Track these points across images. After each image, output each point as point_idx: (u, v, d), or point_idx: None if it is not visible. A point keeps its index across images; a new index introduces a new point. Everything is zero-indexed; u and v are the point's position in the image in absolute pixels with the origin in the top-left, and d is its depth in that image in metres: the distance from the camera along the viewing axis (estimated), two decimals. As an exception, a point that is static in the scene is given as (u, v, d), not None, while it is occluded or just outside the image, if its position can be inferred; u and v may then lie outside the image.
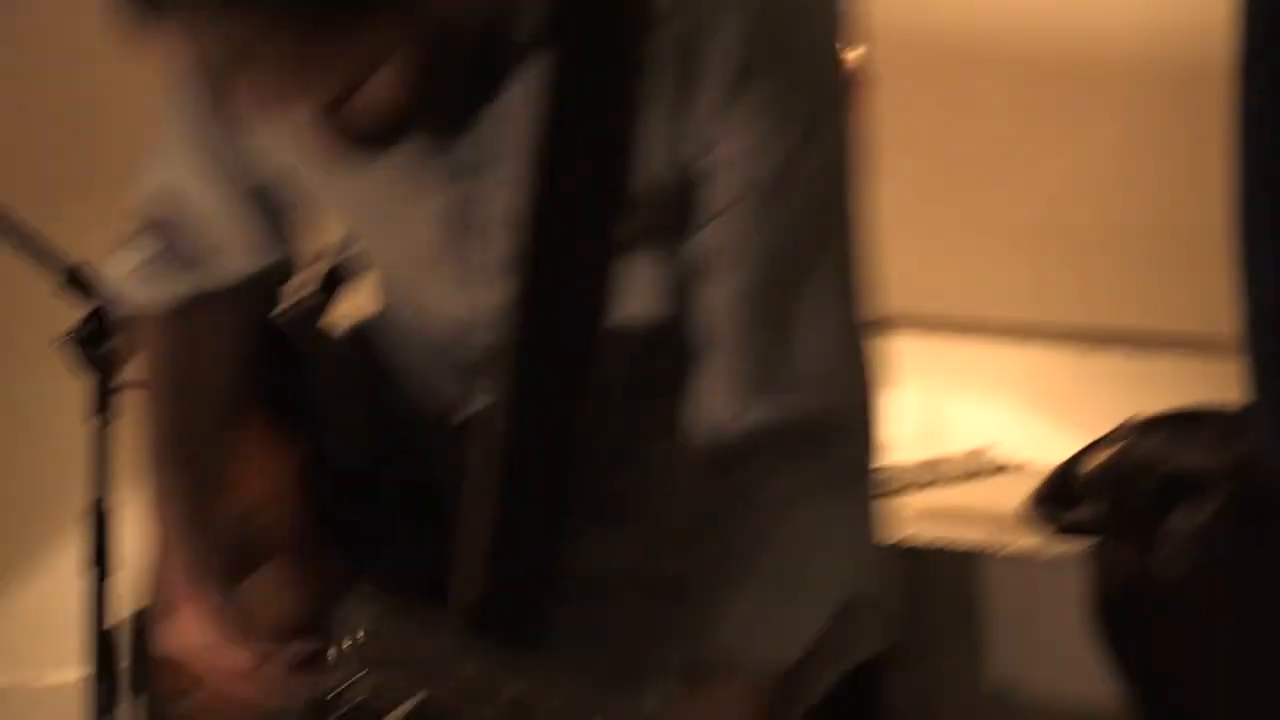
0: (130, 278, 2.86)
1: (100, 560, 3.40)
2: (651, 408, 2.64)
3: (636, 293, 2.54)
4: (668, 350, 2.58)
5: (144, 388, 2.88)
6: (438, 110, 2.51)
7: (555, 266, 2.55)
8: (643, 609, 2.71)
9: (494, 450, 2.51)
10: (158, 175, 2.85)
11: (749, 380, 2.49)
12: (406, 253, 2.69)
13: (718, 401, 2.49)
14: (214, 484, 2.84)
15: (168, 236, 2.84)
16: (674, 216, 2.51)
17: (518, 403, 2.52)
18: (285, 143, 2.61)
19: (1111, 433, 4.25)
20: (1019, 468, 4.64)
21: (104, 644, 3.45)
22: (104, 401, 3.31)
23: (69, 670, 3.94)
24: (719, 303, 2.48)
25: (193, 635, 2.66)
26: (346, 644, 2.51)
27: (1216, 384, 4.11)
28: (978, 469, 4.82)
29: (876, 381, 2.48)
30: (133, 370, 3.16)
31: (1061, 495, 4.29)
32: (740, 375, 2.50)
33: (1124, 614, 4.06)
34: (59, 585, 4.35)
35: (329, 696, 2.54)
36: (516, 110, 2.48)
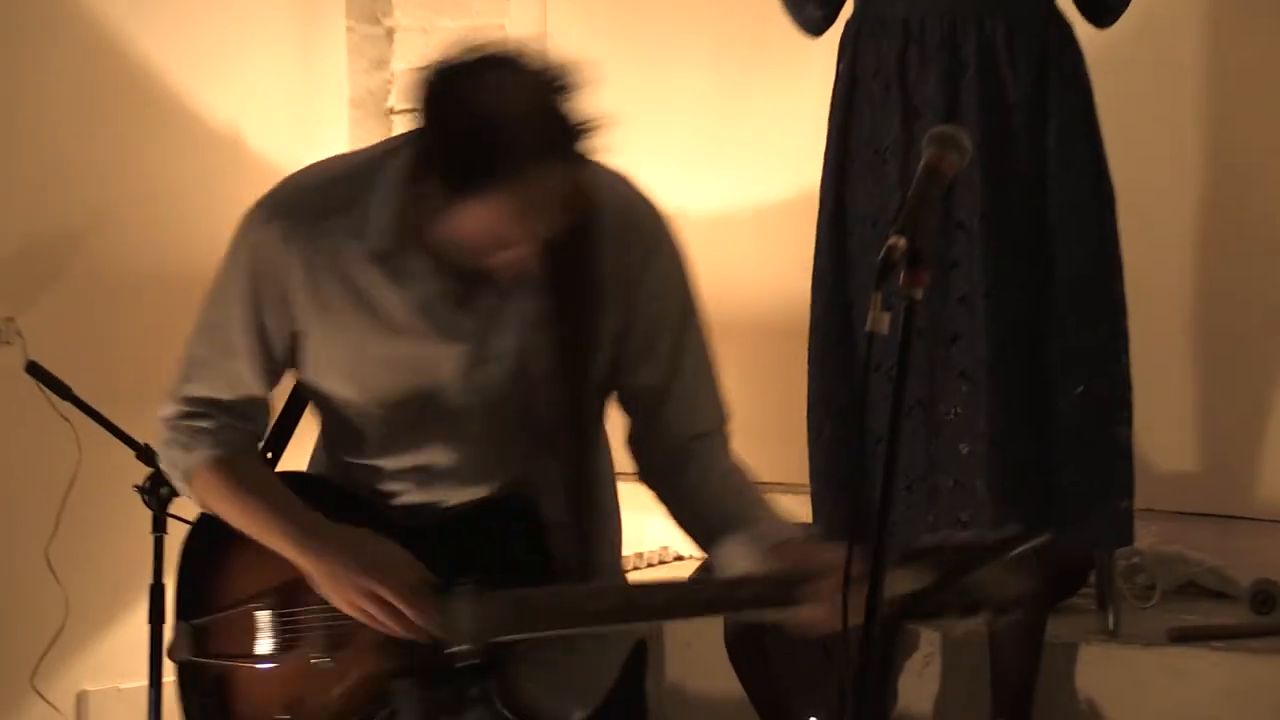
0: (187, 446, 3.33)
1: (158, 614, 4.41)
2: (601, 465, 3.40)
3: (593, 426, 3.35)
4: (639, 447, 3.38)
5: (209, 494, 3.33)
6: (468, 301, 3.21)
7: (562, 390, 3.28)
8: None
9: (556, 488, 3.26)
10: (198, 375, 3.34)
11: (715, 407, 3.36)
12: (414, 391, 3.28)
13: (694, 422, 3.35)
14: (332, 531, 3.27)
15: (203, 416, 3.32)
16: (626, 376, 3.32)
17: (565, 462, 3.28)
18: (320, 318, 3.24)
19: None
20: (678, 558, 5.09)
21: (156, 662, 4.43)
22: (159, 522, 4.40)
23: (141, 678, 4.51)
24: (689, 369, 3.33)
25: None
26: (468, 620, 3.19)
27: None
28: (663, 559, 5.24)
29: None
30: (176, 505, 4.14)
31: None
32: (711, 406, 3.36)
33: (746, 646, 4.78)
34: (136, 618, 4.68)
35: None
36: (509, 312, 3.22)
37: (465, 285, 3.21)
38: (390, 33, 5.72)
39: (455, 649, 3.22)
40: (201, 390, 3.35)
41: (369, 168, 3.25)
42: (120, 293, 5.35)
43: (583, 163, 3.09)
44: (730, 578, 3.25)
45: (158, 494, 4.43)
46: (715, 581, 3.31)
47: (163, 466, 3.44)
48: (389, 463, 3.37)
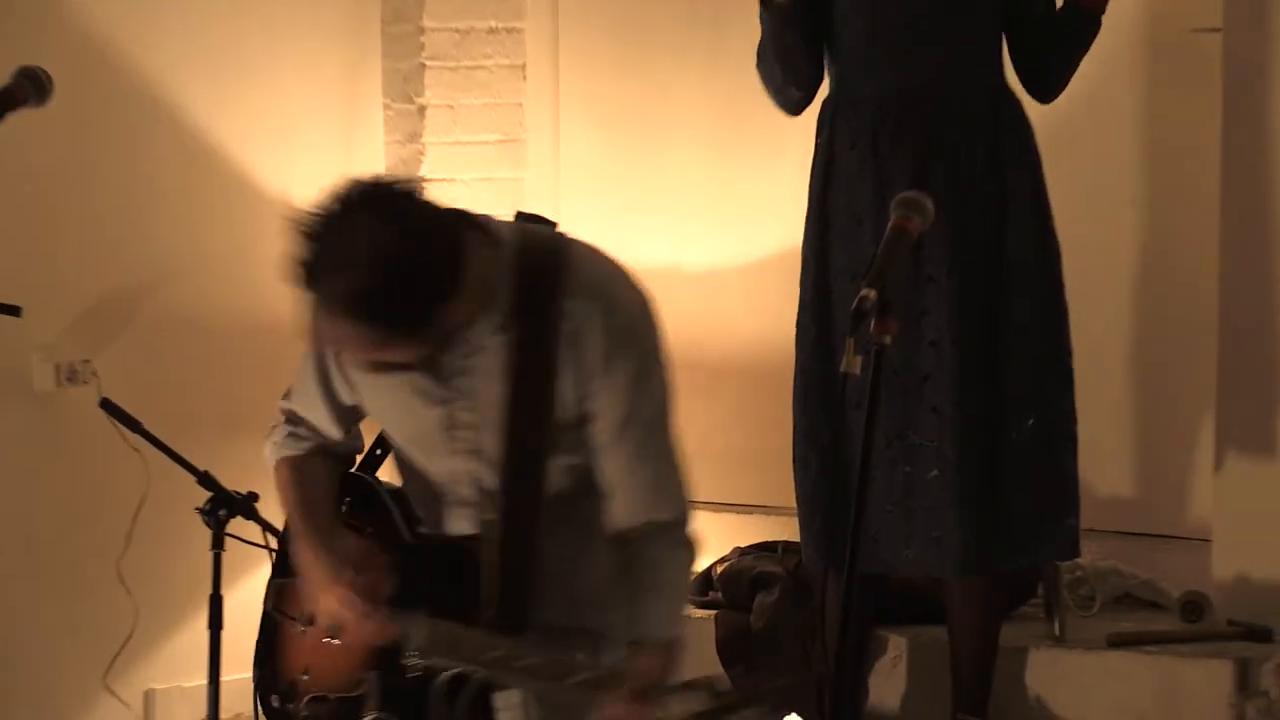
0: (277, 444, 3.48)
1: (216, 621, 4.43)
2: (571, 527, 3.33)
3: (556, 469, 3.29)
4: (575, 496, 3.31)
5: (280, 489, 3.48)
6: (443, 364, 3.22)
7: (520, 443, 3.26)
8: (580, 628, 3.36)
9: (494, 545, 3.26)
10: (296, 398, 3.46)
11: (639, 500, 3.27)
12: (420, 438, 3.36)
13: (623, 515, 3.28)
14: (335, 536, 3.36)
15: (297, 425, 3.46)
16: (573, 430, 3.26)
17: (505, 521, 3.26)
18: (358, 382, 3.33)
19: (728, 554, 4.90)
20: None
21: (214, 663, 4.42)
22: (218, 540, 4.40)
23: (202, 678, 4.54)
24: (619, 469, 3.26)
25: (338, 609, 3.28)
26: (415, 637, 3.21)
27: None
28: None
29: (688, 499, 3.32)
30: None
31: (702, 586, 4.91)
32: (635, 498, 3.27)
33: (734, 650, 4.77)
34: (198, 625, 4.71)
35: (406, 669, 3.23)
36: (486, 366, 3.23)
37: (429, 363, 3.23)
38: (422, 110, 5.70)
39: (406, 658, 3.25)
40: (298, 409, 3.47)
41: None
42: (184, 339, 5.35)
43: (383, 331, 3.08)
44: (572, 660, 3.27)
45: (217, 515, 4.44)
46: (558, 660, 3.26)
47: (266, 449, 3.55)
48: (416, 492, 3.44)
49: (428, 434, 3.34)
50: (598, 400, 3.25)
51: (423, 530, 3.42)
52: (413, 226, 3.08)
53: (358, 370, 3.30)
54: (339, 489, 3.48)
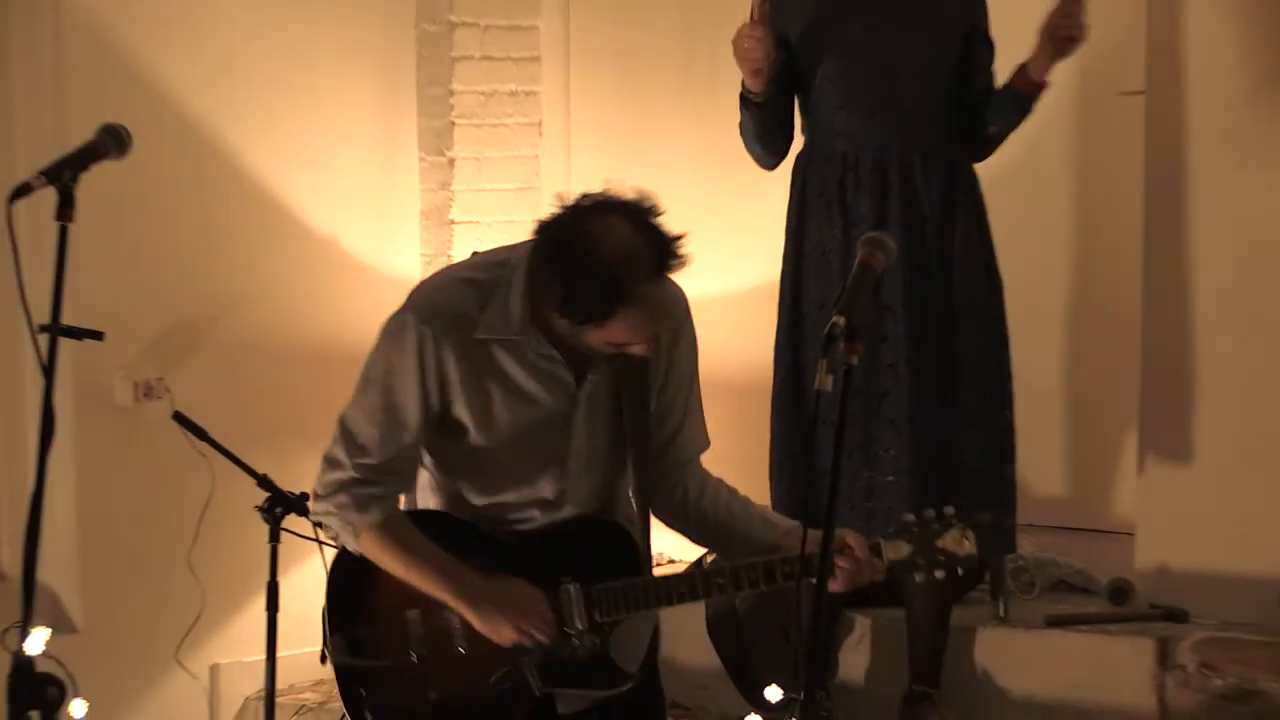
0: (352, 519, 3.29)
1: (273, 604, 4.38)
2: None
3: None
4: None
5: (377, 550, 3.31)
6: (576, 375, 3.29)
7: (637, 416, 3.32)
8: None
9: (638, 502, 3.36)
10: (365, 452, 3.29)
11: (703, 431, 3.45)
12: (530, 442, 3.31)
13: (695, 440, 3.43)
14: (482, 585, 3.31)
15: (363, 486, 3.29)
16: (660, 430, 3.38)
17: (639, 491, 3.36)
18: (459, 398, 3.27)
19: None
20: (671, 560, 5.02)
21: (271, 640, 4.38)
22: (274, 534, 4.35)
23: (260, 654, 4.45)
24: (692, 406, 3.41)
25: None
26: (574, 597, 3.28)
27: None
28: (658, 562, 4.77)
29: None
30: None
31: None
32: (700, 431, 3.44)
33: (722, 629, 4.79)
34: (257, 608, 4.62)
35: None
36: (600, 377, 3.30)
37: (575, 364, 3.27)
38: (451, 162, 5.68)
39: (569, 629, 3.29)
40: (372, 460, 3.31)
41: (492, 275, 3.28)
42: (245, 359, 5.32)
43: (674, 271, 3.17)
44: (769, 559, 3.27)
45: (273, 513, 4.40)
46: (759, 564, 3.28)
47: (333, 522, 3.36)
48: (512, 496, 3.38)
49: (542, 434, 3.31)
50: (676, 364, 3.37)
51: (520, 529, 3.38)
52: (625, 206, 3.22)
53: (467, 393, 3.27)
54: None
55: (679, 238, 3.16)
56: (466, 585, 3.30)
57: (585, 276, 3.10)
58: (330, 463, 3.33)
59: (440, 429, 3.32)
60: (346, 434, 3.31)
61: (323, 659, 3.43)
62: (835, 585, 3.15)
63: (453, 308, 3.27)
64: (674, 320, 3.34)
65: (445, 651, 3.34)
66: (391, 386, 3.28)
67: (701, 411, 3.47)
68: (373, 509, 3.30)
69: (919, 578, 3.20)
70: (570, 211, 3.16)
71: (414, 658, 3.36)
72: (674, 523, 3.48)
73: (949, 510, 3.19)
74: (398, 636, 3.36)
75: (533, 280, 3.20)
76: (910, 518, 3.24)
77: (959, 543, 3.17)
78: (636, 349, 3.20)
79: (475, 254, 3.67)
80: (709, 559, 4.82)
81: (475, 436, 3.31)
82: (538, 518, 3.36)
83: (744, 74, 4.35)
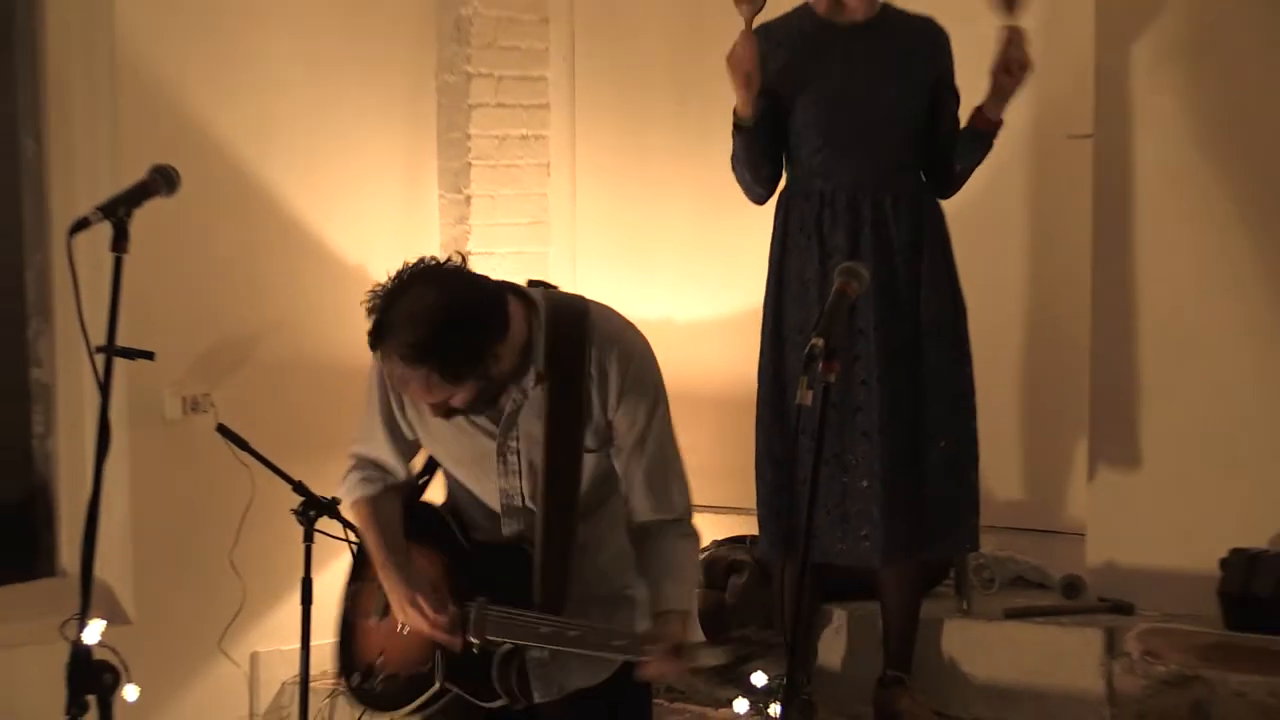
0: (351, 488, 3.45)
1: (306, 599, 4.41)
2: (599, 519, 3.35)
3: (586, 473, 3.29)
4: (601, 494, 3.32)
5: (355, 518, 3.46)
6: (491, 405, 3.23)
7: (558, 464, 3.25)
8: (608, 605, 3.36)
9: (538, 543, 3.26)
10: (363, 443, 3.42)
11: (653, 502, 3.30)
12: (474, 465, 3.34)
13: (639, 512, 3.31)
14: (403, 557, 3.35)
15: (366, 468, 3.43)
16: (599, 449, 3.28)
17: (546, 525, 3.26)
18: (420, 423, 3.32)
19: (706, 546, 4.67)
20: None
21: (305, 631, 4.41)
22: (308, 535, 4.36)
23: (296, 643, 4.48)
24: (636, 476, 3.27)
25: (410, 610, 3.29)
26: (474, 615, 3.25)
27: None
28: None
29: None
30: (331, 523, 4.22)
31: None
32: (650, 500, 3.29)
33: (713, 621, 4.52)
34: (292, 602, 4.60)
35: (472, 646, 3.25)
36: (531, 407, 3.23)
37: (485, 407, 3.24)
38: (468, 199, 5.69)
39: (470, 639, 3.28)
40: (364, 452, 3.44)
41: None
42: (283, 376, 5.32)
43: (444, 374, 3.07)
44: (609, 628, 3.28)
45: (307, 515, 4.41)
46: (600, 629, 3.27)
47: (341, 488, 3.51)
48: (466, 506, 3.42)
49: (480, 462, 3.33)
50: (618, 425, 3.27)
51: (476, 538, 3.40)
52: (459, 290, 3.10)
53: (422, 413, 3.28)
54: (407, 515, 3.43)
55: (461, 351, 3.08)
56: (392, 568, 3.34)
57: (376, 307, 3.13)
58: (356, 432, 3.48)
59: (423, 435, 3.41)
60: (359, 424, 3.46)
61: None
62: (641, 672, 3.17)
63: None
64: (609, 375, 3.26)
65: (392, 624, 3.39)
66: (370, 399, 3.41)
67: (660, 476, 3.32)
68: (357, 489, 3.42)
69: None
70: (430, 266, 3.16)
71: (374, 620, 3.43)
72: None
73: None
74: (370, 599, 3.44)
75: None
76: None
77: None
78: (409, 397, 3.24)
79: (535, 283, 3.55)
80: (700, 558, 4.90)
81: (436, 453, 3.42)
82: (486, 529, 3.38)
83: (736, 86, 4.32)
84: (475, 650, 3.27)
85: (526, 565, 3.28)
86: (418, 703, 3.36)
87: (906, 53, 4.43)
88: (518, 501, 3.32)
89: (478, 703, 3.29)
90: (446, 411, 3.17)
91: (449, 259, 3.17)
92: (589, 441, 3.27)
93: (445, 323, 3.05)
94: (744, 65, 4.28)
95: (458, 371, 3.09)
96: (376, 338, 3.10)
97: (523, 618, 3.25)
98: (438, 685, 3.33)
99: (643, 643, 3.15)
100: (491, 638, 3.27)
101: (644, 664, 3.14)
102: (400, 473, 3.45)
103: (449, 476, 3.45)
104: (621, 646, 3.19)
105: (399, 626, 3.37)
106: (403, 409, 3.35)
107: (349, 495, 3.46)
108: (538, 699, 3.33)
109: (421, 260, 3.16)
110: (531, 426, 3.26)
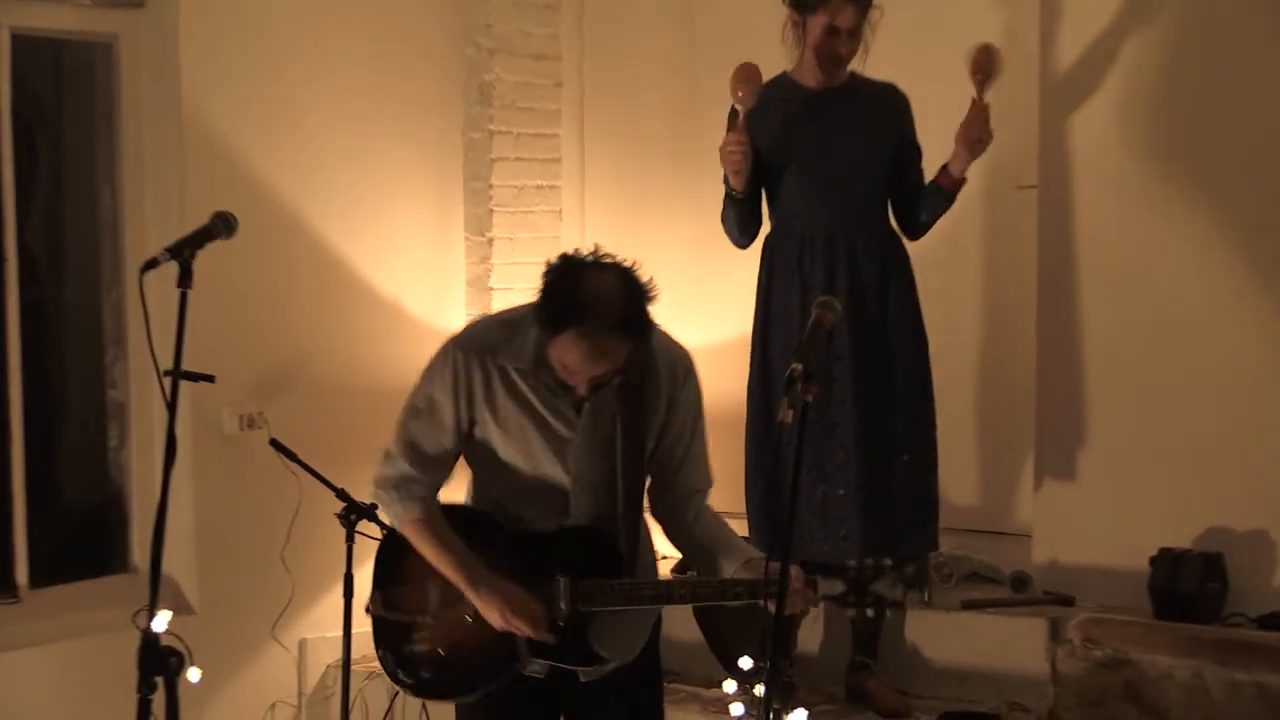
0: (400, 512, 3.29)
1: (348, 592, 4.36)
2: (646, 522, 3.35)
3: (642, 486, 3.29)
4: (657, 496, 3.34)
5: (414, 537, 3.28)
6: (573, 403, 3.21)
7: (633, 450, 3.24)
8: (652, 571, 3.38)
9: (624, 520, 3.24)
10: (411, 459, 3.27)
11: (704, 474, 3.35)
12: (534, 454, 3.25)
13: (691, 480, 3.33)
14: (483, 569, 3.26)
15: (409, 484, 3.28)
16: (665, 467, 3.31)
17: (627, 506, 3.25)
18: (485, 419, 3.21)
19: None
20: (664, 557, 4.58)
21: (347, 620, 4.37)
22: (350, 536, 4.34)
23: (339, 630, 4.45)
24: (691, 452, 3.32)
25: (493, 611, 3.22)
26: (563, 592, 3.20)
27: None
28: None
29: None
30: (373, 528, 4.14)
31: (683, 565, 4.75)
32: (702, 472, 3.34)
33: (706, 609, 4.53)
34: (335, 594, 4.51)
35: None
36: (602, 406, 3.21)
37: (577, 399, 3.20)
38: (490, 241, 5.68)
39: (555, 613, 3.23)
40: (417, 457, 3.29)
41: (519, 321, 3.23)
42: (328, 396, 5.29)
43: (634, 340, 3.06)
44: (725, 579, 3.23)
45: (349, 519, 4.38)
46: (716, 582, 3.26)
47: (386, 509, 3.35)
48: (523, 500, 3.32)
49: (554, 449, 3.26)
50: (679, 412, 3.29)
51: (532, 527, 3.29)
52: (626, 273, 3.12)
53: (498, 410, 3.23)
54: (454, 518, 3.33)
55: (646, 316, 3.09)
56: (473, 576, 3.26)
57: (559, 294, 3.07)
58: (387, 457, 3.31)
59: (470, 437, 3.31)
60: (401, 435, 3.30)
61: (367, 609, 3.41)
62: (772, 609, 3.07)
63: (483, 339, 3.27)
64: (674, 377, 3.29)
65: (455, 618, 3.30)
66: (434, 399, 3.27)
67: (704, 455, 3.39)
68: (415, 505, 3.28)
69: (850, 613, 3.09)
70: (579, 256, 3.14)
71: (429, 619, 3.33)
72: (672, 538, 3.43)
73: (887, 562, 3.12)
74: (419, 600, 3.34)
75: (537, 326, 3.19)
76: (853, 564, 3.17)
77: (891, 588, 3.08)
78: (578, 384, 3.14)
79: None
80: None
81: (496, 445, 3.28)
82: (544, 520, 3.30)
83: (728, 173, 4.34)
84: (562, 627, 3.23)
85: (601, 541, 3.24)
86: (492, 685, 3.30)
87: (874, 114, 4.45)
88: (593, 483, 3.27)
89: (566, 666, 3.25)
90: (598, 386, 3.13)
91: (593, 252, 3.14)
92: (654, 430, 3.28)
93: (637, 299, 3.06)
94: (735, 161, 4.29)
95: (647, 340, 3.10)
96: (577, 317, 3.03)
97: (625, 585, 3.22)
98: (525, 666, 3.27)
99: (755, 588, 3.09)
100: (583, 608, 3.21)
101: (788, 599, 3.03)
102: (443, 478, 3.34)
103: (490, 475, 3.33)
104: (740, 593, 3.16)
105: (461, 618, 3.29)
106: (471, 405, 3.24)
107: (406, 514, 3.28)
108: (606, 662, 3.29)
109: (565, 256, 3.13)
110: (609, 414, 3.23)
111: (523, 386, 3.23)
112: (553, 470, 3.28)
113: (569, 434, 3.25)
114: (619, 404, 3.22)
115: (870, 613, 2.91)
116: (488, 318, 3.44)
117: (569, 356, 3.10)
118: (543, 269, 3.14)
